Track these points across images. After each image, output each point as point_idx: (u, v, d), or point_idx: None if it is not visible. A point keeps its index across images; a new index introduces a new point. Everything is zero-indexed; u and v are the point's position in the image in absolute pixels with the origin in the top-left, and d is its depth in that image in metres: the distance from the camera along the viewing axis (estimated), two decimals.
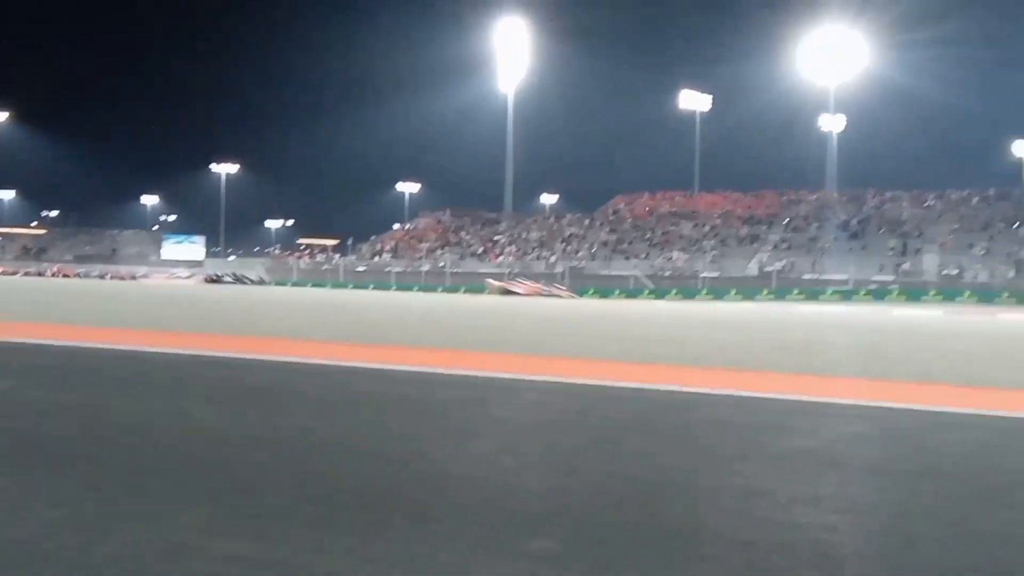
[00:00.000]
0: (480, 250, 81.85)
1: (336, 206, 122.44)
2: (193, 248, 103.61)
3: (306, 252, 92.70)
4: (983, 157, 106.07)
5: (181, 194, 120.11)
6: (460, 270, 73.18)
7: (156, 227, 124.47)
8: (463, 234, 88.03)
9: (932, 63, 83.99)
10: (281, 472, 5.29)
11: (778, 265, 65.89)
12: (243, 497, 4.74)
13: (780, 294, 57.61)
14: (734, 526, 4.32)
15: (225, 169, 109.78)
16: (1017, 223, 68.20)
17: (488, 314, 27.11)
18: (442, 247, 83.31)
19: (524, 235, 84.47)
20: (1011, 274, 60.82)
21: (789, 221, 75.62)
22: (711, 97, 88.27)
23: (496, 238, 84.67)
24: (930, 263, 63.86)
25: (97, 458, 5.52)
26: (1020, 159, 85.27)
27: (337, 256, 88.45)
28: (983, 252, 64.25)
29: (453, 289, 64.78)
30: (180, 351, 11.79)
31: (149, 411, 7.27)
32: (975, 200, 74.39)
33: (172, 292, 42.18)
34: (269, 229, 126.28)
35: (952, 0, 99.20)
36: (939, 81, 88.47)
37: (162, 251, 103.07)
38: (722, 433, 7.04)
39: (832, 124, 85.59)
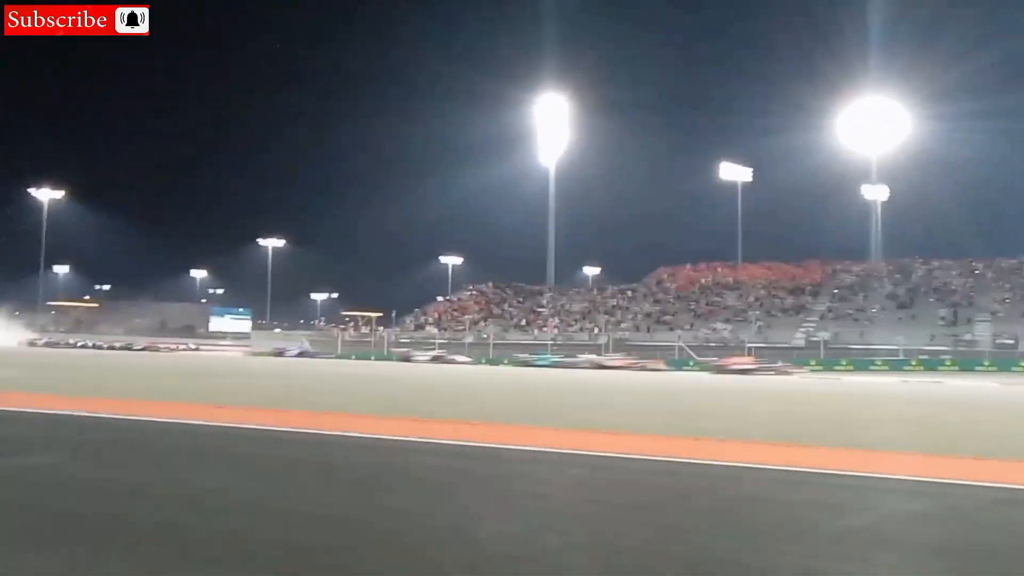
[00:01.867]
0: (523, 322, 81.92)
1: (380, 279, 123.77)
2: (240, 321, 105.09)
3: (350, 324, 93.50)
4: None
5: (228, 268, 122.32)
6: (503, 342, 73.18)
7: (204, 300, 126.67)
8: (506, 306, 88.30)
9: (974, 134, 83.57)
10: (322, 549, 5.23)
11: (825, 335, 64.97)
12: None
13: (828, 364, 56.66)
14: None
15: (271, 243, 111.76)
16: None
17: (533, 388, 26.98)
18: (485, 319, 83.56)
19: (567, 307, 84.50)
20: None
21: (835, 291, 74.81)
22: (751, 169, 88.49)
23: (539, 310, 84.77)
24: (983, 332, 62.57)
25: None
26: None
27: (381, 328, 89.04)
28: None
29: (496, 361, 64.68)
30: (224, 424, 11.88)
31: (201, 488, 7.29)
32: None
33: (227, 364, 42.67)
34: (314, 302, 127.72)
35: (990, 74, 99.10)
36: (981, 150, 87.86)
37: (210, 324, 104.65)
38: (771, 510, 6.86)
39: (875, 194, 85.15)
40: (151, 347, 77.28)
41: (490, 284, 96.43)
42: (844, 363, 57.15)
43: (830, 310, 72.15)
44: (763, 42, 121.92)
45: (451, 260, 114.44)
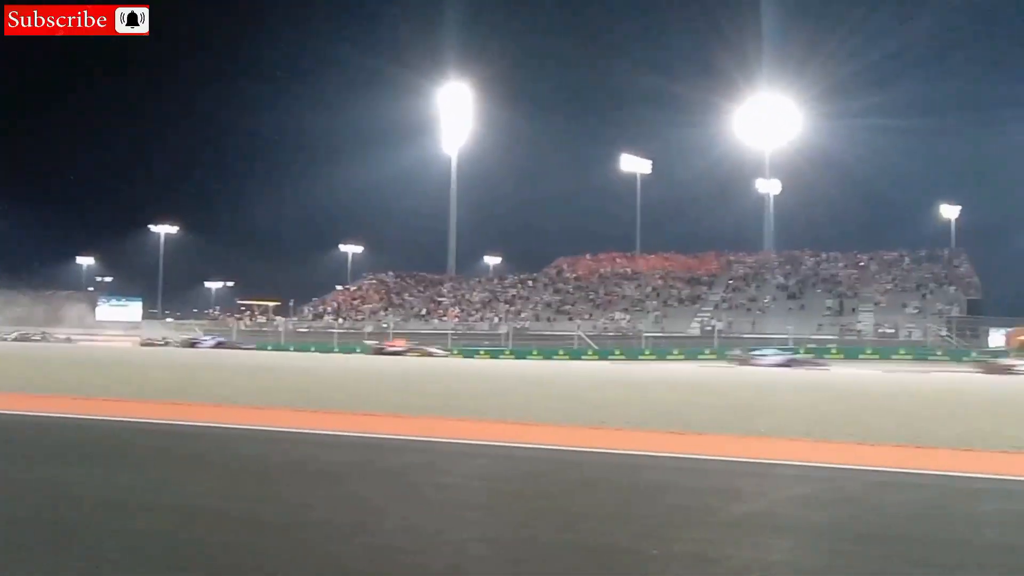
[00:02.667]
0: (424, 311, 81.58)
1: (277, 268, 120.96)
2: (130, 310, 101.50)
3: (246, 313, 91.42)
4: (913, 219, 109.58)
5: (118, 255, 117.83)
6: (403, 331, 72.74)
7: (91, 288, 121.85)
8: (406, 296, 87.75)
9: (861, 130, 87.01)
10: (224, 545, 5.12)
11: (719, 325, 66.77)
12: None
13: (722, 353, 58.25)
14: None
15: (164, 229, 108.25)
16: (946, 283, 70.31)
17: (434, 378, 26.92)
18: (385, 309, 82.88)
19: (467, 296, 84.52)
20: (943, 332, 62.49)
21: (729, 282, 76.94)
22: (651, 161, 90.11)
23: (440, 299, 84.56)
24: (866, 321, 65.31)
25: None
26: (948, 220, 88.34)
27: (278, 318, 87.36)
28: (916, 311, 65.95)
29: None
30: (118, 418, 11.48)
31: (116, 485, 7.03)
32: (907, 261, 76.58)
33: (121, 355, 41.06)
34: (209, 290, 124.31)
35: (878, 72, 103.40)
36: (868, 147, 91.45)
37: (97, 313, 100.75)
38: (670, 497, 7.02)
39: (768, 187, 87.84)
40: (22, 337, 73.60)
41: (390, 273, 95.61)
42: (737, 351, 58.79)
43: (724, 300, 74.15)
44: (663, 37, 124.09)
45: (351, 249, 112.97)
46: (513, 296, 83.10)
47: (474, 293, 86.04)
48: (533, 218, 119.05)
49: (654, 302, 74.69)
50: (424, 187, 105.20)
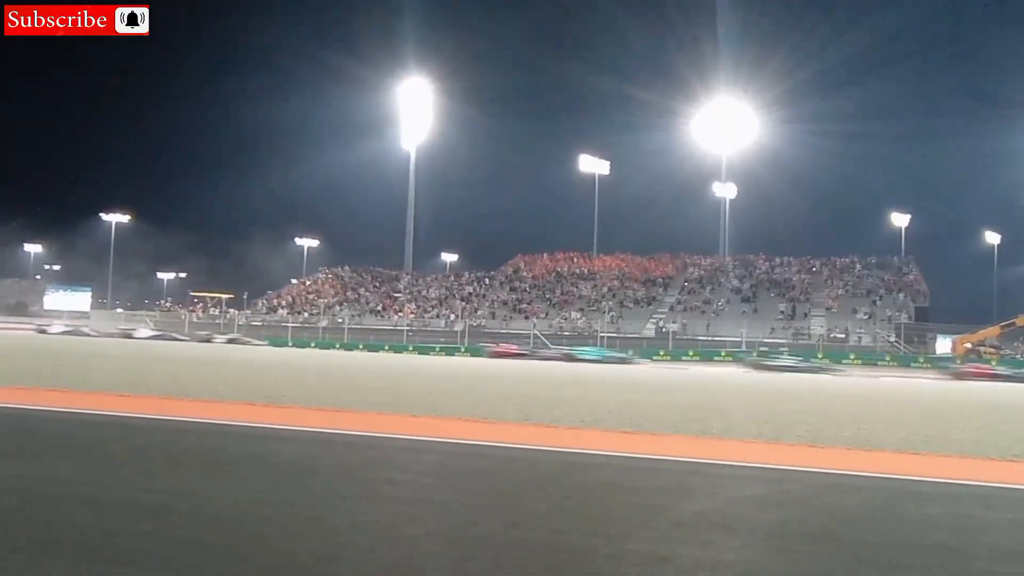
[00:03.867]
0: (379, 307, 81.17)
1: (231, 260, 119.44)
2: (79, 298, 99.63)
3: (199, 305, 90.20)
4: (865, 226, 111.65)
5: (67, 243, 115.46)
6: (358, 326, 72.32)
7: (39, 277, 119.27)
8: (362, 291, 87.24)
9: (816, 136, 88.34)
10: (162, 538, 5.03)
11: (674, 326, 67.38)
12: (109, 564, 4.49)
13: (676, 354, 58.75)
14: None
15: (115, 218, 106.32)
16: (896, 289, 71.71)
17: (386, 374, 26.79)
18: (340, 303, 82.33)
19: (424, 293, 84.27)
20: (892, 338, 63.68)
21: (685, 284, 77.65)
22: (609, 163, 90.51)
23: (395, 295, 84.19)
24: (818, 326, 66.34)
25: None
26: (899, 228, 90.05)
27: (231, 310, 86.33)
28: (866, 317, 67.13)
29: (351, 346, 63.89)
30: (64, 409, 11.26)
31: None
32: (858, 267, 77.92)
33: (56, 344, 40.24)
34: (161, 281, 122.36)
35: (833, 79, 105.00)
36: (824, 153, 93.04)
37: (45, 301, 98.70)
38: (621, 496, 7.05)
39: (725, 191, 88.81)
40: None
41: (346, 268, 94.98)
42: (691, 353, 59.35)
43: (679, 302, 74.80)
44: (623, 40, 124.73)
45: (307, 242, 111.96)
46: (470, 294, 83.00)
47: (430, 290, 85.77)
48: (491, 216, 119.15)
49: (610, 302, 75.06)
50: (382, 182, 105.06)
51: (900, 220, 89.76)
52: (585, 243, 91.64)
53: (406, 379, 23.05)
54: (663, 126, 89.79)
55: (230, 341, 61.59)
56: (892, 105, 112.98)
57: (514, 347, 56.24)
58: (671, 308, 73.95)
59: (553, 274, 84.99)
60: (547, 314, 74.22)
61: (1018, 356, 59.63)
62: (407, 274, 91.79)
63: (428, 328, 72.10)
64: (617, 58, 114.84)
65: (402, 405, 14.19)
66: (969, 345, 63.20)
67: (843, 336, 64.56)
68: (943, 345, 64.59)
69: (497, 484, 7.45)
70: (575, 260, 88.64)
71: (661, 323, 70.17)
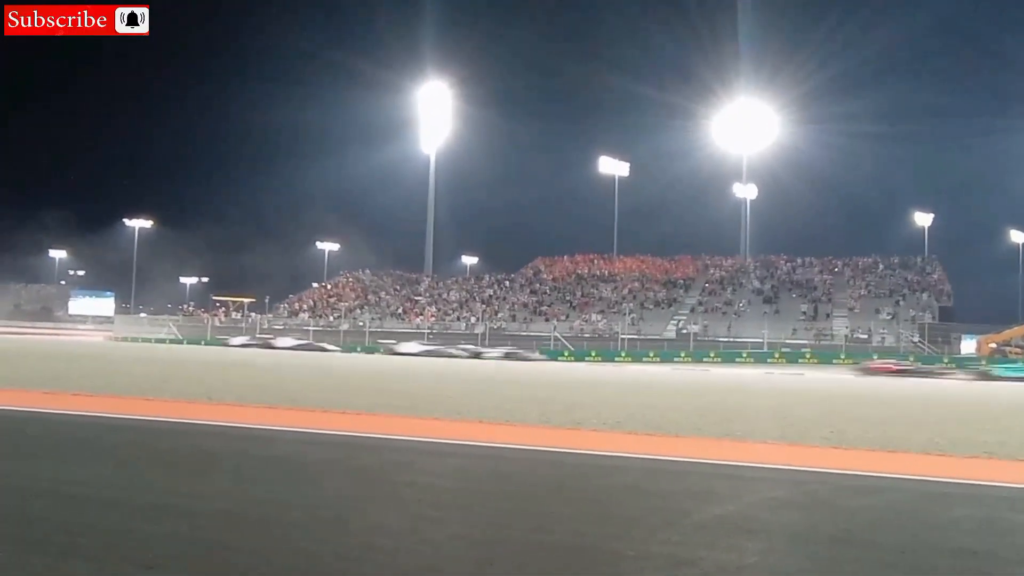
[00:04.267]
0: (400, 310, 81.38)
1: (253, 264, 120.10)
2: (103, 303, 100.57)
3: (221, 309, 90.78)
4: (887, 226, 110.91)
5: (91, 249, 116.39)
6: (379, 329, 72.53)
7: (63, 282, 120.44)
8: (383, 294, 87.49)
9: (838, 137, 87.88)
10: (191, 541, 5.09)
11: (695, 328, 67.14)
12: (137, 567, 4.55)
13: (697, 356, 58.57)
14: None
15: (138, 224, 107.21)
16: (919, 289, 71.13)
17: (408, 377, 26.87)
18: (361, 307, 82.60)
19: (444, 296, 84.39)
20: (915, 338, 63.11)
21: (706, 285, 77.37)
22: (629, 164, 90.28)
23: (416, 298, 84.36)
24: (840, 326, 65.87)
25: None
26: (922, 228, 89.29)
27: (253, 314, 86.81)
28: (889, 317, 66.61)
29: (372, 349, 64.10)
30: (85, 413, 11.39)
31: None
32: (881, 267, 77.35)
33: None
34: (183, 286, 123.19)
35: (854, 79, 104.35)
36: (845, 153, 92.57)
37: (69, 306, 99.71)
38: (644, 499, 7.05)
39: (745, 192, 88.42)
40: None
41: (367, 271, 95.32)
42: (712, 355, 59.15)
43: (700, 303, 74.51)
44: (642, 41, 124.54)
45: (328, 246, 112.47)
46: (490, 296, 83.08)
47: (451, 292, 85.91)
48: (511, 219, 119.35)
49: (630, 304, 74.90)
50: (403, 186, 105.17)
51: (923, 220, 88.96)
52: (605, 245, 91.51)
53: (428, 382, 23.12)
54: (683, 127, 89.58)
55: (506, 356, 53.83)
56: (914, 105, 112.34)
57: (892, 364, 49.37)
58: (692, 310, 73.68)
59: (573, 276, 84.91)
60: (567, 316, 74.15)
61: None
62: (427, 277, 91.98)
63: (449, 331, 72.17)
64: (637, 59, 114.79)
65: (425, 408, 14.25)
66: (994, 345, 62.57)
67: (866, 337, 64.06)
68: (968, 345, 63.98)
69: (519, 487, 7.48)
70: (595, 262, 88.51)
71: (682, 325, 69.93)
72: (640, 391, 22.26)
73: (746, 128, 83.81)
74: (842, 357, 57.69)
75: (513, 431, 11.29)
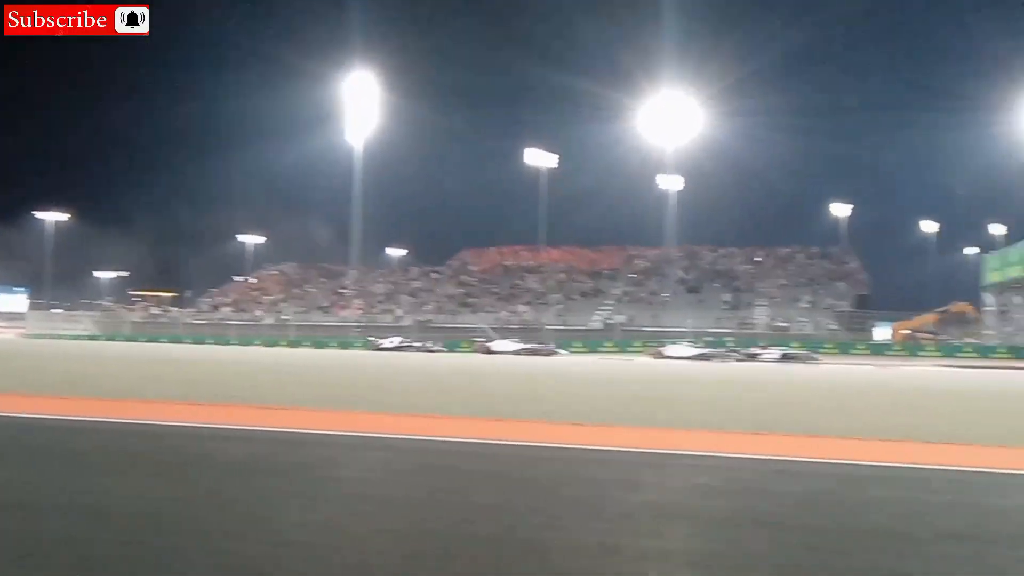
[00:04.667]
0: (326, 303, 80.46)
1: (173, 258, 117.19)
2: (15, 300, 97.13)
3: (139, 305, 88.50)
4: (807, 216, 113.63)
5: (1, 243, 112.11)
6: (305, 323, 71.60)
7: None
8: (308, 287, 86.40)
9: (761, 129, 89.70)
10: (111, 542, 4.90)
11: (621, 318, 67.90)
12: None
13: (623, 345, 59.21)
14: None
15: (52, 216, 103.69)
16: (837, 278, 73.20)
17: (331, 369, 26.55)
18: (286, 300, 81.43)
19: (371, 289, 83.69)
20: (833, 326, 64.95)
21: (631, 276, 78.29)
22: (557, 156, 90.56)
23: (342, 291, 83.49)
24: (761, 315, 67.36)
25: None
26: (839, 218, 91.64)
27: (173, 309, 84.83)
28: (808, 306, 68.38)
29: (296, 343, 63.19)
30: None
31: None
32: (800, 257, 79.38)
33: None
34: (100, 280, 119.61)
35: (776, 73, 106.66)
36: (767, 145, 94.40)
37: None
38: (570, 489, 7.04)
39: (670, 184, 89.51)
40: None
41: (292, 264, 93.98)
42: (638, 344, 59.83)
43: (626, 294, 75.38)
44: (568, 34, 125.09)
45: (251, 239, 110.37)
46: (417, 288, 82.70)
47: (377, 285, 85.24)
48: (438, 210, 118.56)
49: (557, 295, 75.35)
50: (328, 178, 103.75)
51: (841, 211, 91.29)
52: (532, 236, 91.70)
53: (352, 375, 22.86)
54: (610, 119, 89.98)
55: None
56: (834, 98, 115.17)
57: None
58: (618, 300, 74.49)
59: (500, 268, 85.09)
60: (495, 308, 74.24)
61: (953, 341, 61.17)
62: (353, 270, 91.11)
63: (375, 324, 71.61)
64: (564, 52, 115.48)
65: (349, 401, 14.06)
66: (907, 331, 64.77)
67: (786, 325, 65.62)
68: (882, 332, 66.06)
69: (445, 480, 7.41)
70: (522, 254, 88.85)
71: (608, 315, 70.66)
72: (565, 381, 22.38)
73: (671, 120, 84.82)
74: (762, 345, 58.93)
75: (436, 423, 11.20)
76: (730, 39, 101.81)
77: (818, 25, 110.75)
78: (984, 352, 55.61)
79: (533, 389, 19.04)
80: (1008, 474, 8.24)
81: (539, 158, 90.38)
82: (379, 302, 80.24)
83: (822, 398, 18.01)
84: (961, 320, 66.93)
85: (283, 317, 74.43)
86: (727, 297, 71.81)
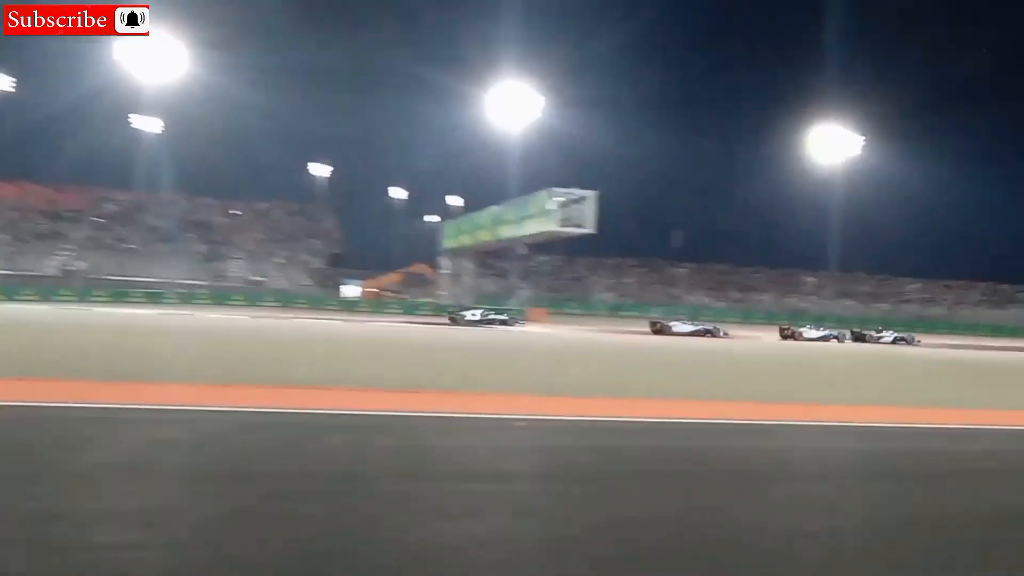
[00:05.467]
0: None
1: None
2: None
3: None
4: (287, 174, 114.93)
5: None
6: None
7: None
8: None
9: (248, 86, 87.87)
10: None
11: (82, 264, 62.38)
12: None
13: (83, 294, 54.53)
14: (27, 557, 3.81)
15: None
16: (313, 236, 75.48)
17: None
18: None
19: None
20: (306, 282, 66.97)
21: (98, 220, 72.21)
22: (16, 80, 79.66)
23: None
24: (237, 268, 66.87)
25: None
26: (319, 178, 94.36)
27: None
28: (284, 261, 69.51)
29: None
30: None
31: None
32: (278, 212, 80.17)
33: None
34: None
35: (274, 33, 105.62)
36: (253, 101, 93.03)
37: None
38: (11, 453, 6.24)
39: (148, 125, 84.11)
40: None
41: None
42: (101, 293, 55.59)
43: (90, 239, 69.46)
44: None
45: None
46: None
47: None
48: None
49: (5, 235, 66.82)
50: None
51: (322, 171, 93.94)
52: None
53: None
54: (81, 42, 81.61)
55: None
56: (324, 64, 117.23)
57: None
58: (80, 245, 68.40)
59: None
60: None
61: (414, 299, 66.86)
62: None
63: None
64: None
65: None
66: (375, 290, 69.25)
67: (261, 279, 66.10)
68: (349, 290, 69.74)
69: None
70: None
71: (67, 260, 64.51)
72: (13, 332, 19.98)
73: (153, 57, 79.56)
74: (237, 298, 58.65)
75: None
76: None
77: None
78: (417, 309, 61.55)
79: None
80: (415, 416, 9.12)
81: None
82: None
83: (293, 350, 18.39)
84: (420, 280, 73.35)
85: None
86: (202, 248, 69.98)
